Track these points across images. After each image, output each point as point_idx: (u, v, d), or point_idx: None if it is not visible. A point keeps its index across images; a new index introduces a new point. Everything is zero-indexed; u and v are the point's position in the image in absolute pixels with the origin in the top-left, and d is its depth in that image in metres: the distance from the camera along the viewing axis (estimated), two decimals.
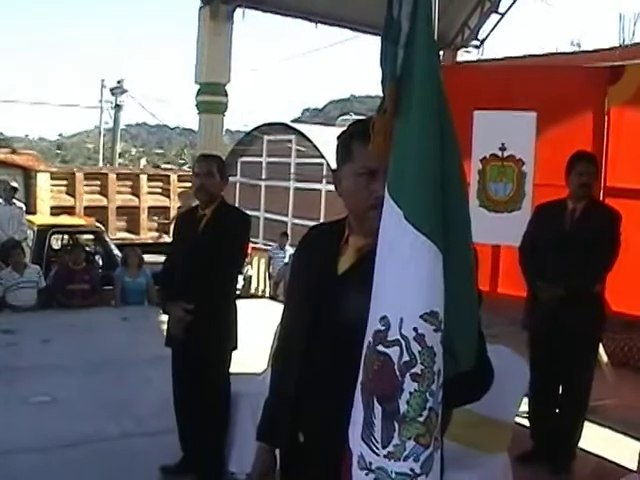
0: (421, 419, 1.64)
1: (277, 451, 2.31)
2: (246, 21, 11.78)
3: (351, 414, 1.79)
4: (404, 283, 1.66)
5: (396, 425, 1.65)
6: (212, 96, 11.70)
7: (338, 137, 2.10)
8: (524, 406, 4.85)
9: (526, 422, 5.31)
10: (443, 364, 1.67)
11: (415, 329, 1.63)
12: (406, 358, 1.64)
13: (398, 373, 1.64)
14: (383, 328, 1.67)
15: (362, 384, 1.73)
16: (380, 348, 1.67)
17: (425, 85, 1.68)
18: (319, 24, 12.60)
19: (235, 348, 4.69)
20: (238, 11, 11.68)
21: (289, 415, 2.14)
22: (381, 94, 1.78)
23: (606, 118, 6.30)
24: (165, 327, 4.82)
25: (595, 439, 5.48)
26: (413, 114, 1.68)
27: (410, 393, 1.63)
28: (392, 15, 1.73)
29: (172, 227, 5.48)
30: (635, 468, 4.00)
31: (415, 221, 1.65)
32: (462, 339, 1.73)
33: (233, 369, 4.74)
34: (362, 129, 1.94)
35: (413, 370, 1.63)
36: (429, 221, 1.65)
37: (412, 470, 1.65)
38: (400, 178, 1.70)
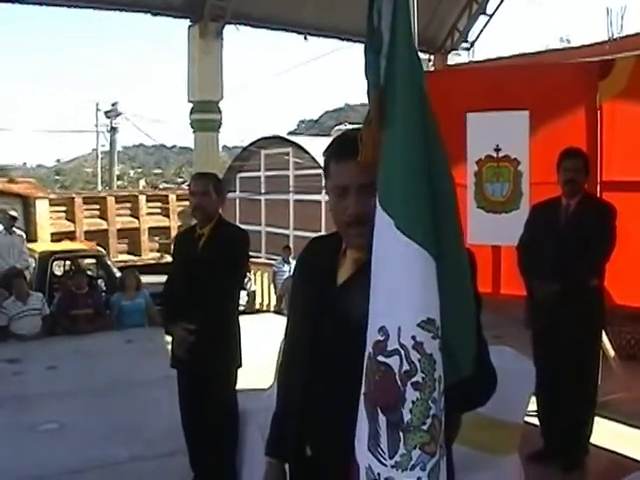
0: (425, 427, 1.63)
1: (287, 466, 2.30)
2: (236, 37, 11.89)
3: (356, 426, 1.78)
4: (399, 292, 1.66)
5: (401, 435, 1.64)
6: (206, 114, 11.77)
7: (323, 154, 2.12)
8: (533, 405, 4.83)
9: (536, 421, 5.29)
10: (444, 371, 1.66)
11: (413, 337, 1.63)
12: (406, 367, 1.63)
13: (399, 382, 1.64)
14: (382, 338, 1.67)
15: (365, 395, 1.73)
16: (380, 358, 1.67)
17: (407, 94, 1.69)
18: (309, 36, 12.68)
19: (240, 366, 4.68)
20: (228, 28, 11.76)
21: (296, 429, 2.14)
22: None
23: (598, 113, 6.29)
24: (170, 348, 4.81)
25: (606, 434, 5.46)
26: (397, 123, 1.69)
27: (412, 402, 1.63)
28: (373, 25, 1.73)
29: (172, 247, 5.49)
30: None
31: (406, 229, 1.65)
32: (461, 345, 1.73)
33: (239, 385, 4.73)
34: (336, 146, 2.02)
35: (414, 379, 1.63)
36: (420, 228, 1.65)
37: (419, 479, 1.64)
38: (389, 187, 1.70)
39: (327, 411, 2.04)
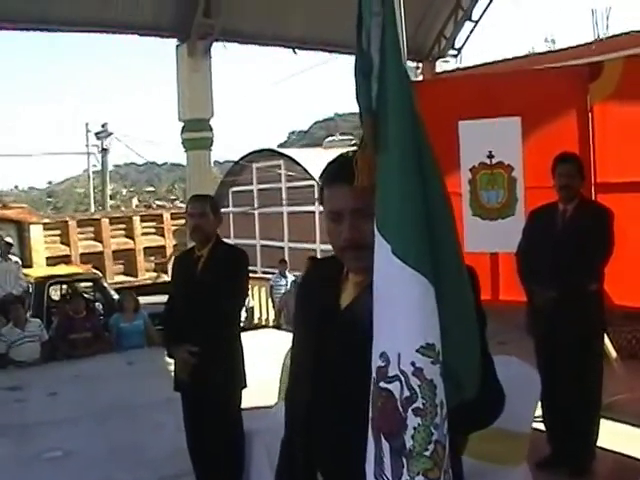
0: (427, 453, 1.62)
1: None
2: (224, 52, 11.88)
3: (366, 450, 1.77)
4: (397, 317, 1.65)
5: (404, 461, 1.63)
6: (197, 132, 11.78)
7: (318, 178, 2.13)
8: (538, 410, 4.82)
9: (542, 427, 5.27)
10: (447, 394, 1.65)
11: (412, 363, 1.62)
12: (407, 393, 1.62)
13: (401, 409, 1.63)
14: (383, 364, 1.66)
15: (372, 420, 1.72)
16: (382, 384, 1.66)
17: (400, 117, 1.67)
18: (297, 49, 12.71)
19: (244, 387, 4.66)
20: (216, 45, 11.77)
21: (305, 454, 2.12)
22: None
23: (590, 115, 6.31)
24: (172, 369, 4.79)
25: (612, 436, 5.45)
26: (391, 147, 1.68)
27: (414, 428, 1.61)
28: (362, 49, 1.73)
29: (170, 269, 5.47)
30: None
31: (402, 254, 1.64)
32: (463, 368, 1.71)
33: (243, 404, 4.72)
34: (329, 171, 2.04)
35: (415, 405, 1.61)
36: (415, 254, 1.64)
37: None
38: (385, 213, 1.70)
39: (336, 436, 2.02)
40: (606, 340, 6.13)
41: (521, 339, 6.34)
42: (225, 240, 4.93)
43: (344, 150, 2.20)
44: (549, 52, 12.43)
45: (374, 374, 1.69)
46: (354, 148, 1.92)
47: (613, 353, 6.73)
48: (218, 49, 11.99)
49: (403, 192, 1.66)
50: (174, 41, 11.92)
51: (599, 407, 5.21)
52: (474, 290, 1.84)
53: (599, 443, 5.22)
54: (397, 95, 1.68)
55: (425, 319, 1.63)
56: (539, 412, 4.98)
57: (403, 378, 1.62)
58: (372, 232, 1.82)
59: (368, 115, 1.74)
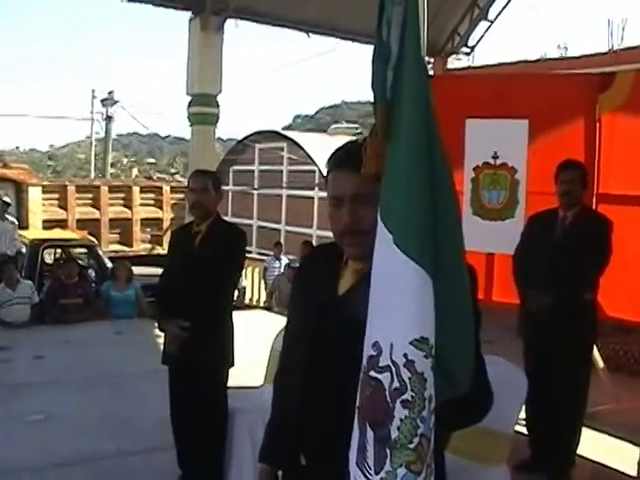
0: (412, 446, 1.62)
1: (280, 473, 2.30)
2: (236, 30, 11.83)
3: (351, 437, 1.78)
4: (394, 308, 1.65)
5: (387, 451, 1.63)
6: (204, 107, 11.73)
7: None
8: (521, 414, 4.85)
9: (524, 430, 5.30)
10: (439, 388, 1.66)
11: (405, 355, 1.62)
12: (396, 384, 1.62)
13: (389, 399, 1.63)
14: (375, 353, 1.66)
15: (358, 409, 1.72)
16: (372, 374, 1.66)
17: (414, 108, 1.67)
18: (310, 33, 12.66)
19: (232, 365, 4.67)
20: (228, 22, 11.72)
21: (290, 436, 2.14)
22: (371, 100, 1.78)
23: (598, 125, 6.31)
24: (160, 342, 4.80)
25: (593, 445, 5.47)
26: (402, 137, 1.68)
27: (401, 420, 1.62)
28: (382, 38, 1.72)
29: (167, 242, 5.47)
30: (634, 474, 3.98)
31: (404, 246, 1.64)
32: (457, 362, 1.72)
33: (229, 382, 4.72)
34: (333, 157, 2.06)
35: (403, 397, 1.62)
36: (418, 246, 1.64)
37: None
38: (390, 202, 1.69)
39: (323, 421, 2.04)
40: (595, 350, 6.15)
41: (510, 341, 6.36)
42: (223, 218, 4.93)
43: (349, 138, 2.21)
44: (562, 58, 12.42)
45: (365, 362, 1.70)
46: (361, 136, 1.92)
47: (601, 363, 6.74)
48: (231, 26, 11.95)
49: (410, 183, 1.66)
50: (188, 14, 11.88)
51: (583, 415, 5.24)
52: (472, 288, 1.84)
53: (579, 451, 5.25)
54: (413, 86, 1.67)
55: (422, 312, 1.63)
56: (522, 415, 5.01)
57: (394, 369, 1.62)
58: (371, 219, 1.84)
59: (382, 103, 1.73)
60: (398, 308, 1.64)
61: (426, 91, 1.70)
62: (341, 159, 2.03)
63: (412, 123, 1.67)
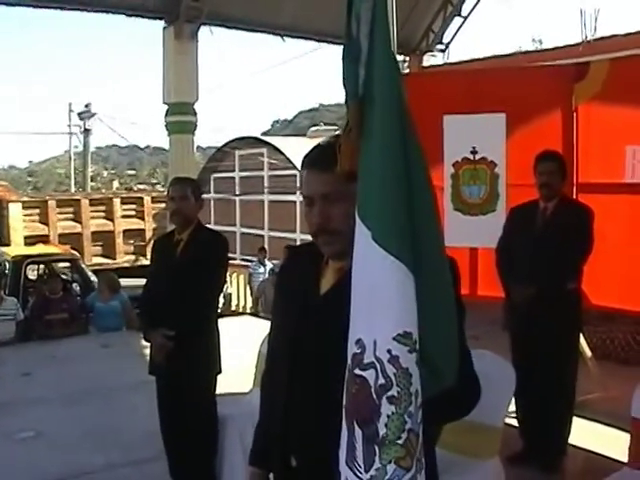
0: (400, 442, 1.62)
1: (271, 475, 2.29)
2: (211, 36, 11.78)
3: (339, 436, 1.77)
4: (375, 305, 1.65)
5: (376, 449, 1.63)
6: (181, 116, 11.70)
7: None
8: (512, 406, 4.85)
9: (515, 422, 5.31)
10: (424, 383, 1.65)
11: (389, 351, 1.61)
12: (382, 381, 1.62)
13: (375, 396, 1.62)
14: (359, 351, 1.66)
15: (345, 407, 1.72)
16: (357, 371, 1.66)
17: (387, 104, 1.66)
18: (285, 37, 12.66)
19: (219, 372, 4.65)
20: (203, 29, 11.70)
21: (279, 438, 2.13)
22: None
23: (574, 115, 6.34)
24: (147, 353, 4.77)
25: (584, 434, 5.49)
26: (376, 133, 1.67)
27: (388, 416, 1.61)
28: (351, 34, 1.71)
29: (149, 252, 5.44)
30: (625, 460, 3.99)
31: (383, 242, 1.64)
32: (441, 356, 1.71)
33: (218, 390, 4.71)
34: (308, 157, 2.05)
35: (389, 393, 1.61)
36: (396, 241, 1.64)
37: None
38: (367, 199, 1.69)
39: (311, 421, 2.03)
40: (581, 339, 6.17)
41: (497, 334, 6.37)
42: (204, 225, 4.91)
43: None
44: (536, 51, 12.48)
45: (349, 361, 1.69)
46: (337, 133, 1.92)
47: (588, 352, 6.77)
48: (205, 34, 11.93)
49: (385, 179, 1.65)
50: (161, 23, 11.84)
51: (572, 405, 5.26)
52: (454, 281, 1.84)
53: (570, 440, 5.27)
54: (384, 82, 1.67)
55: (403, 307, 1.63)
56: (512, 407, 5.02)
57: (379, 365, 1.62)
58: (343, 217, 1.87)
59: (354, 101, 1.73)
60: (379, 304, 1.64)
61: (398, 86, 1.70)
62: (312, 159, 2.03)
63: (385, 119, 1.67)
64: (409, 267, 1.64)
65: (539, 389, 5.10)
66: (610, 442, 5.35)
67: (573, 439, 5.29)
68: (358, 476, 1.66)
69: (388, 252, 1.63)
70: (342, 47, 1.74)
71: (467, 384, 1.88)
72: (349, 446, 1.68)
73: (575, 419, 5.32)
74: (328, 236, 1.98)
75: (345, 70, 1.74)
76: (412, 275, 1.64)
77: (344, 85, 1.75)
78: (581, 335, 6.03)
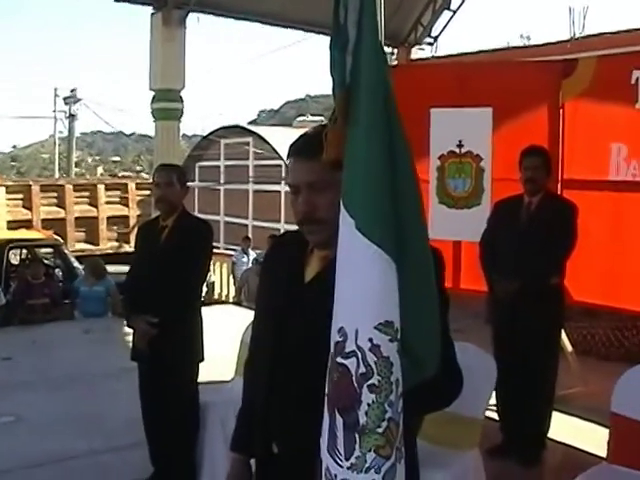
0: (380, 430, 1.62)
1: (252, 461, 2.29)
2: (199, 25, 11.70)
3: (322, 424, 1.78)
4: (358, 294, 1.65)
5: (356, 437, 1.63)
6: (167, 103, 11.63)
7: None
8: (492, 399, 4.88)
9: (495, 415, 5.34)
10: (406, 373, 1.66)
11: (370, 340, 1.62)
12: (362, 370, 1.62)
13: (356, 385, 1.63)
14: (341, 339, 1.66)
15: (327, 395, 1.72)
16: (339, 359, 1.66)
17: (373, 93, 1.66)
18: (273, 26, 12.60)
19: (202, 360, 4.65)
20: (191, 16, 11.63)
21: (261, 425, 2.13)
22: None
23: (561, 111, 6.36)
24: (130, 339, 4.76)
25: (563, 428, 5.53)
26: (362, 122, 1.67)
27: (368, 404, 1.62)
28: (339, 22, 1.71)
29: (134, 238, 5.43)
30: (604, 455, 4.02)
31: (366, 231, 1.64)
32: (423, 346, 1.72)
33: (200, 378, 4.70)
34: (294, 146, 2.05)
35: (370, 381, 1.62)
36: (380, 230, 1.64)
37: None
38: (351, 188, 1.69)
39: (293, 409, 2.04)
40: (562, 334, 6.21)
41: (479, 328, 6.39)
42: (189, 212, 4.90)
43: None
44: (525, 47, 12.51)
45: (332, 349, 1.69)
46: (324, 123, 1.92)
47: (569, 347, 6.81)
48: (193, 21, 11.85)
49: (370, 168, 1.65)
50: (149, 9, 11.76)
51: (552, 399, 5.29)
52: (438, 272, 1.84)
53: (550, 434, 5.30)
54: (371, 70, 1.67)
55: (386, 296, 1.63)
56: (493, 400, 5.05)
57: (360, 354, 1.62)
58: (329, 206, 1.87)
59: (341, 89, 1.72)
60: (362, 293, 1.64)
61: (385, 75, 1.70)
62: (298, 147, 2.03)
63: (371, 107, 1.66)
64: (392, 256, 1.64)
65: (520, 383, 5.12)
66: (589, 437, 5.39)
67: (552, 433, 5.32)
68: (339, 464, 1.67)
69: (371, 241, 1.63)
70: (330, 35, 1.74)
71: (450, 375, 1.89)
72: (330, 434, 1.69)
73: (555, 413, 5.35)
74: (314, 225, 1.98)
75: (332, 58, 1.74)
76: (395, 264, 1.64)
77: (331, 73, 1.75)
78: (562, 330, 6.06)
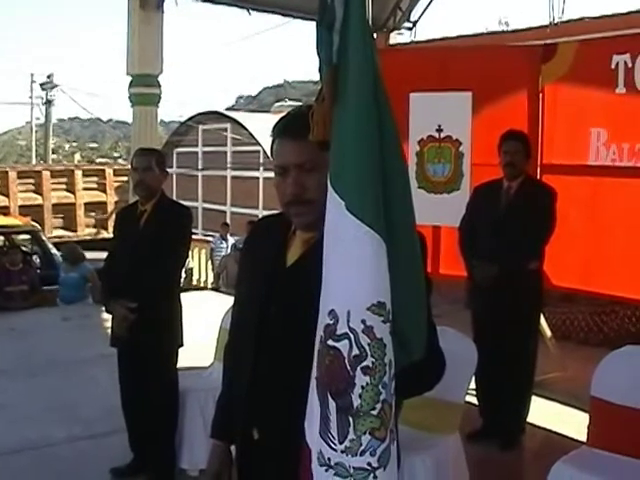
0: (375, 412, 1.61)
1: (233, 448, 2.27)
2: (178, 9, 11.58)
3: (305, 409, 1.76)
4: (349, 275, 1.63)
5: (351, 420, 1.62)
6: (145, 88, 11.50)
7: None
8: (472, 384, 4.89)
9: (475, 400, 5.36)
10: (395, 355, 1.64)
11: (363, 321, 1.60)
12: (356, 352, 1.60)
13: (349, 367, 1.61)
14: (332, 322, 1.64)
15: (317, 379, 1.70)
16: (330, 342, 1.64)
17: (360, 71, 1.64)
18: (252, 11, 12.51)
19: (181, 345, 4.62)
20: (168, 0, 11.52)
21: (242, 411, 2.11)
22: (314, 79, 1.75)
23: (541, 96, 6.37)
24: (109, 326, 4.72)
25: (543, 413, 5.58)
26: (349, 101, 1.65)
27: (362, 387, 1.60)
28: (326, 1, 1.69)
29: (112, 223, 5.38)
30: (583, 439, 4.05)
31: (356, 211, 1.62)
32: (411, 328, 1.71)
33: (179, 364, 4.68)
34: (278, 125, 2.01)
35: (364, 363, 1.60)
36: (370, 211, 1.62)
37: (369, 464, 1.62)
38: (340, 168, 1.66)
39: (274, 395, 2.01)
40: (542, 319, 6.24)
41: (458, 313, 6.40)
42: (168, 197, 4.85)
43: None
44: (504, 32, 12.48)
45: (322, 332, 1.67)
46: (311, 102, 1.89)
47: (548, 332, 6.85)
48: (170, 5, 11.74)
49: (359, 147, 1.63)
50: None
51: (531, 384, 5.32)
52: (423, 256, 1.83)
53: (529, 419, 5.33)
54: (359, 49, 1.64)
55: (377, 277, 1.61)
56: (473, 385, 5.06)
57: (352, 336, 1.60)
58: (317, 187, 1.84)
59: (328, 68, 1.70)
60: (353, 274, 1.62)
61: (372, 54, 1.68)
62: (285, 126, 1.98)
63: (359, 86, 1.64)
64: (382, 237, 1.62)
65: (499, 368, 5.14)
66: (568, 421, 5.44)
67: (532, 418, 5.35)
68: (332, 447, 1.65)
69: (362, 222, 1.61)
70: (317, 13, 1.72)
71: (432, 359, 1.87)
72: (322, 418, 1.67)
73: (534, 398, 5.39)
74: (302, 207, 1.94)
75: (319, 37, 1.71)
76: (385, 245, 1.63)
77: (318, 52, 1.72)
78: (542, 315, 6.09)
